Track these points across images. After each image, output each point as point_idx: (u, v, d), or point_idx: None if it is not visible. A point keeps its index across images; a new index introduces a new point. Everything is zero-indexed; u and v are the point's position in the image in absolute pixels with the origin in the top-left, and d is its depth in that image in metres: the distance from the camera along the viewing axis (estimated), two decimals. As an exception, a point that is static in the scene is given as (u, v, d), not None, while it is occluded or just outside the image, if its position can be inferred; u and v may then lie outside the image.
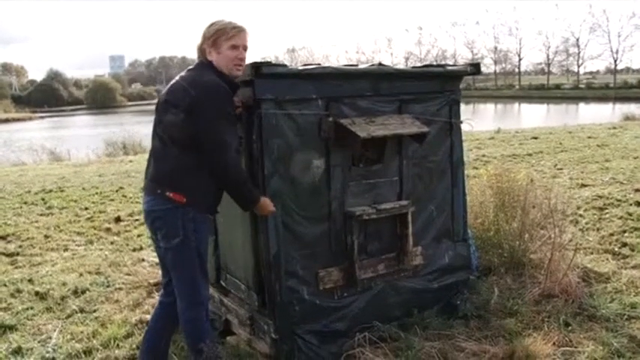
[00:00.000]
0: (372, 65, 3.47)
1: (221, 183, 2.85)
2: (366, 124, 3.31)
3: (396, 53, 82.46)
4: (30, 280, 5.12)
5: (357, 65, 3.44)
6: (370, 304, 3.55)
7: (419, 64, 3.80)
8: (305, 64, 3.20)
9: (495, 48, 75.92)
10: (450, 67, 3.80)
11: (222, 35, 2.82)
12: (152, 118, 2.99)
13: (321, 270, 3.35)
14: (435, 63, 4.56)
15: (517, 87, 70.47)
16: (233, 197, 2.91)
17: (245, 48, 2.90)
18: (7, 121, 56.63)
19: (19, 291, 4.86)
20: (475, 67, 3.89)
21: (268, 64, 2.96)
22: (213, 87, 2.75)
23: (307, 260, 3.30)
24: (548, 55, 73.10)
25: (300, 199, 3.23)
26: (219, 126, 2.73)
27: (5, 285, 5.04)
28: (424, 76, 3.72)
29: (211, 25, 2.88)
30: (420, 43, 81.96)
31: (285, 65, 3.06)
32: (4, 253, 6.14)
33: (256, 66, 2.91)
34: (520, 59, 75.87)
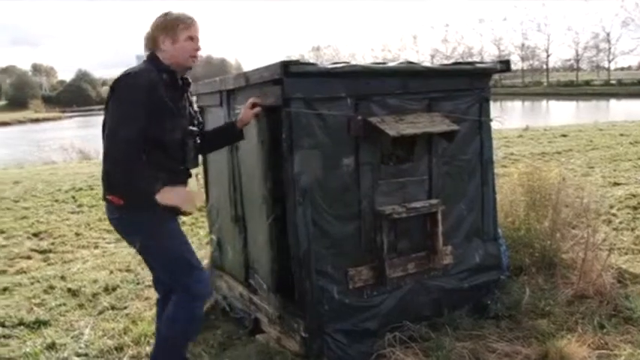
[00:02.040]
0: (401, 63, 3.45)
1: (110, 175, 2.67)
2: (396, 123, 3.29)
3: (422, 51, 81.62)
4: (62, 277, 5.22)
5: (385, 63, 3.41)
6: (400, 304, 3.52)
7: (446, 62, 3.75)
8: (333, 63, 3.18)
9: (523, 45, 74.61)
10: (479, 65, 3.75)
11: (180, 24, 2.75)
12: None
13: (350, 269, 3.33)
14: (462, 60, 4.47)
15: (545, 84, 69.27)
16: (123, 192, 2.69)
17: (198, 40, 2.84)
18: (37, 120, 57.83)
19: (52, 287, 4.95)
20: (505, 64, 3.84)
21: (297, 62, 2.96)
22: (132, 75, 2.64)
23: (337, 259, 3.29)
24: (577, 51, 71.66)
25: (330, 198, 3.22)
26: (119, 115, 2.59)
27: (39, 281, 5.15)
28: (453, 73, 3.68)
29: (166, 14, 2.79)
30: (446, 40, 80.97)
31: (313, 64, 3.05)
32: (37, 250, 6.27)
33: (285, 64, 2.91)
34: (548, 56, 74.47)
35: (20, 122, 54.63)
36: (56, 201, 9.05)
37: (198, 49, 2.80)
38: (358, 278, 3.37)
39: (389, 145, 3.19)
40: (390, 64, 3.37)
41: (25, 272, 5.48)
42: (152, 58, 2.77)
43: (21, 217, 8.03)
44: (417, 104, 3.51)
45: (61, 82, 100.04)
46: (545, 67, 76.40)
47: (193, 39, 2.78)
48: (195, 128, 2.98)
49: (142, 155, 2.62)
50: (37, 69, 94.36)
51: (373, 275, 3.41)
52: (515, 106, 47.54)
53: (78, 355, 3.68)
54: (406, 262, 3.54)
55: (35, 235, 6.97)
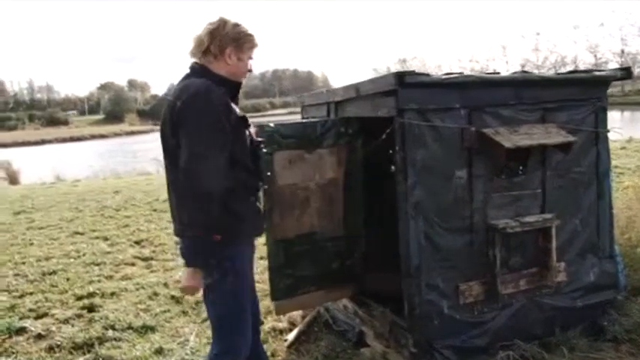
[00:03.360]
0: (515, 72, 3.34)
1: (185, 196, 2.30)
2: (510, 134, 3.19)
3: (512, 61, 78.90)
4: (165, 284, 5.40)
5: (499, 73, 3.32)
6: (511, 321, 3.39)
7: (537, 72, 3.60)
8: (446, 73, 3.12)
9: (622, 51, 70.27)
10: (597, 73, 3.57)
11: (248, 42, 2.55)
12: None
13: (461, 283, 3.25)
14: (575, 69, 4.25)
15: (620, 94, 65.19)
16: (187, 213, 2.30)
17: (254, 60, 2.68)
18: (132, 133, 60.91)
19: (155, 294, 5.13)
20: (626, 72, 3.64)
21: (412, 73, 2.93)
22: (203, 95, 2.33)
23: (448, 273, 3.22)
24: (683, 56, 66.88)
25: (442, 211, 3.16)
26: (198, 136, 2.28)
27: (143, 287, 5.35)
28: (569, 82, 3.53)
29: (236, 25, 2.52)
30: (537, 49, 77.62)
31: (427, 74, 3.01)
32: (139, 257, 6.54)
33: (400, 75, 2.89)
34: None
35: (116, 135, 57.69)
36: (154, 210, 9.43)
37: (251, 69, 2.64)
38: (469, 293, 3.27)
39: (503, 158, 3.09)
40: (504, 74, 3.28)
41: (129, 278, 5.72)
42: (206, 71, 2.50)
43: (123, 225, 8.42)
44: (531, 115, 3.39)
45: (154, 96, 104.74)
46: (647, 74, 71.77)
47: (250, 58, 2.61)
48: (261, 138, 2.86)
49: (235, 182, 2.41)
50: (132, 84, 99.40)
51: (484, 291, 3.31)
52: (614, 116, 44.90)
53: (186, 361, 3.78)
54: (518, 278, 3.41)
55: (137, 242, 7.28)
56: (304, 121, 3.63)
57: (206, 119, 2.30)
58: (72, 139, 55.84)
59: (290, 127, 3.40)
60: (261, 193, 2.69)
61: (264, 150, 3.24)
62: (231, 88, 2.53)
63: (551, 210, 3.50)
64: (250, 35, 2.55)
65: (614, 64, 67.01)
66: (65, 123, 72.92)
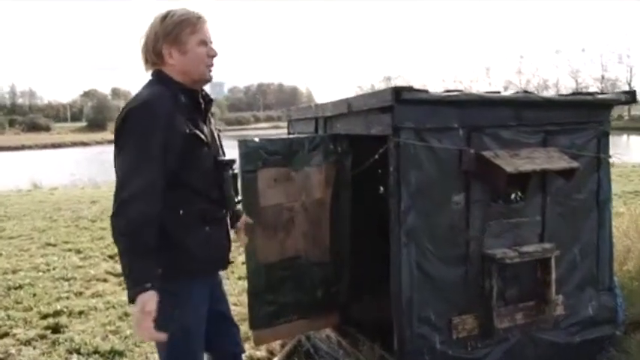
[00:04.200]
0: (517, 92, 3.15)
1: (114, 238, 1.99)
2: (511, 158, 2.98)
3: (495, 82, 79.51)
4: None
5: (499, 92, 3.12)
6: (506, 358, 3.17)
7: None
8: (446, 90, 2.92)
9: (602, 77, 71.46)
10: (600, 96, 3.40)
11: (187, 28, 2.08)
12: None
13: (454, 317, 3.02)
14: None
15: (627, 117, 66.09)
16: (121, 262, 2.00)
17: (212, 42, 2.19)
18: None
19: (127, 314, 4.82)
20: (630, 95, 3.46)
21: (410, 88, 2.71)
22: (143, 105, 1.99)
23: (441, 305, 2.99)
24: (662, 84, 68.02)
25: (437, 238, 2.94)
26: (128, 159, 1.97)
27: (114, 307, 5.05)
28: (571, 104, 3.34)
29: (166, 16, 2.10)
30: (520, 72, 78.48)
31: (426, 91, 2.80)
32: (112, 273, 6.22)
33: (397, 91, 2.67)
34: (630, 88, 71.11)
35: (98, 143, 56.91)
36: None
37: (213, 54, 2.16)
38: (462, 328, 3.05)
39: (504, 183, 2.88)
40: (505, 94, 3.08)
41: (100, 296, 5.41)
42: (161, 78, 2.13)
43: (98, 237, 8.09)
44: (532, 138, 3.20)
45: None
46: (626, 100, 72.66)
47: (206, 42, 2.14)
48: (229, 157, 2.29)
49: (183, 211, 2.07)
50: (116, 93, 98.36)
51: (479, 325, 3.09)
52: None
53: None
54: (514, 311, 3.19)
55: (111, 257, 6.95)
56: (291, 136, 3.39)
57: (138, 139, 1.96)
58: (53, 146, 55.07)
59: (276, 142, 3.17)
60: (228, 221, 2.29)
61: (247, 168, 3.00)
62: (191, 93, 2.13)
63: (550, 239, 3.29)
64: (184, 19, 2.09)
65: (594, 89, 67.98)
66: (47, 129, 71.92)
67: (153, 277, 1.94)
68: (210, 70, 2.17)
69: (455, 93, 2.87)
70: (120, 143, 2.01)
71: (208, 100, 2.23)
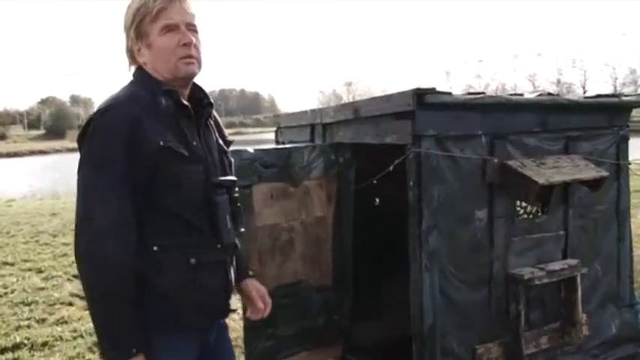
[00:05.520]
0: (541, 94, 2.85)
1: (82, 281, 1.59)
2: (537, 167, 2.68)
3: (455, 87, 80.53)
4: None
5: (521, 95, 2.82)
6: (531, 387, 2.86)
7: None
8: (468, 93, 2.59)
9: (558, 80, 73.23)
10: (626, 98, 3.13)
11: (147, 16, 1.65)
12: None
13: (478, 346, 2.70)
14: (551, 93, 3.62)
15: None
16: (92, 319, 1.59)
17: (189, 25, 1.68)
18: (73, 150, 58.30)
19: (96, 345, 4.34)
20: (655, 97, 3.22)
21: (433, 90, 2.37)
22: (103, 113, 1.58)
23: (464, 333, 2.67)
24: (615, 87, 70.12)
25: (459, 259, 2.62)
26: (89, 179, 1.57)
27: (82, 336, 4.52)
28: (595, 107, 3.08)
29: (127, 12, 1.71)
30: (480, 76, 79.58)
31: (450, 93, 2.46)
32: (78, 296, 5.64)
33: (419, 93, 2.32)
34: (585, 92, 73.13)
35: (57, 151, 55.35)
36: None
37: (187, 41, 1.65)
38: (487, 357, 2.73)
39: (534, 196, 2.57)
40: (530, 97, 2.78)
41: (66, 322, 4.89)
42: (138, 77, 1.72)
43: (60, 254, 7.51)
44: (554, 145, 2.91)
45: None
46: (581, 102, 74.56)
47: (173, 27, 1.65)
48: (228, 177, 1.76)
49: (146, 241, 1.59)
50: (75, 100, 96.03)
51: (504, 353, 2.79)
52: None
53: None
54: (539, 335, 2.90)
55: (75, 277, 6.36)
56: (288, 145, 3.02)
57: (99, 156, 1.55)
58: (8, 155, 53.25)
59: (272, 153, 2.78)
60: (228, 260, 1.76)
61: (241, 183, 2.60)
62: (174, 94, 1.66)
63: (573, 255, 3.02)
64: (141, 4, 1.65)
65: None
66: (2, 137, 69.65)
67: (138, 338, 1.53)
68: (187, 63, 1.65)
69: (479, 96, 2.54)
70: (80, 159, 1.59)
71: (205, 104, 1.76)
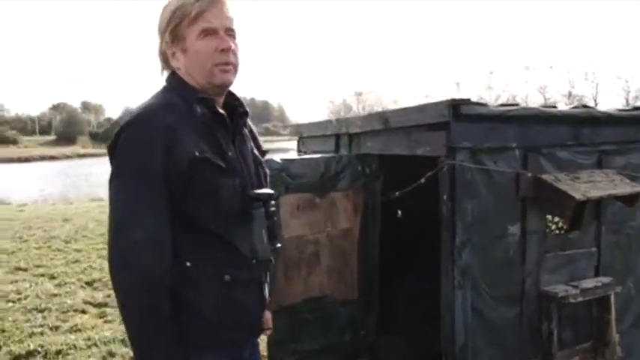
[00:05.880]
0: (576, 107, 2.77)
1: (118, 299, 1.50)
2: (572, 182, 2.60)
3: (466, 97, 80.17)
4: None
5: (555, 107, 2.74)
6: (562, 410, 2.76)
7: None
8: (502, 105, 2.52)
9: (570, 93, 72.92)
10: (662, 111, 3.04)
11: (184, 19, 1.56)
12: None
13: (510, 366, 2.61)
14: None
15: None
16: (127, 332, 1.53)
17: (228, 30, 1.60)
18: (83, 156, 58.81)
19: (111, 354, 4.25)
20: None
21: (468, 101, 2.30)
22: (134, 122, 1.51)
23: (495, 352, 2.59)
24: (627, 100, 69.84)
25: (491, 275, 2.53)
26: (125, 196, 1.49)
27: (96, 345, 4.46)
28: (628, 121, 2.99)
29: (162, 13, 1.62)
30: (490, 87, 79.59)
31: (486, 104, 2.38)
32: (92, 303, 5.62)
33: (455, 104, 2.25)
34: (596, 104, 72.72)
35: (67, 157, 55.65)
36: (109, 243, 8.52)
37: (226, 47, 1.57)
38: (518, 377, 2.63)
39: (571, 211, 2.48)
40: (564, 108, 2.70)
41: (80, 330, 4.82)
42: (172, 83, 1.64)
43: (73, 260, 7.48)
44: (587, 158, 2.83)
45: (108, 119, 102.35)
46: (592, 115, 73.97)
47: (212, 32, 1.57)
48: (265, 191, 1.67)
49: (180, 257, 1.52)
50: (86, 106, 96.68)
51: (535, 374, 2.68)
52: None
53: None
54: (570, 356, 2.81)
55: (88, 283, 6.35)
56: (315, 156, 2.94)
57: (132, 167, 1.49)
58: (20, 160, 53.53)
59: (300, 163, 2.72)
60: (263, 278, 1.70)
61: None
62: (210, 102, 1.58)
63: (605, 272, 2.93)
64: (179, 6, 1.57)
65: (562, 105, 69.09)
66: (14, 142, 70.09)
67: (172, 353, 1.47)
68: (223, 70, 1.58)
69: (514, 107, 2.47)
70: (112, 169, 1.53)
71: (241, 113, 1.69)
